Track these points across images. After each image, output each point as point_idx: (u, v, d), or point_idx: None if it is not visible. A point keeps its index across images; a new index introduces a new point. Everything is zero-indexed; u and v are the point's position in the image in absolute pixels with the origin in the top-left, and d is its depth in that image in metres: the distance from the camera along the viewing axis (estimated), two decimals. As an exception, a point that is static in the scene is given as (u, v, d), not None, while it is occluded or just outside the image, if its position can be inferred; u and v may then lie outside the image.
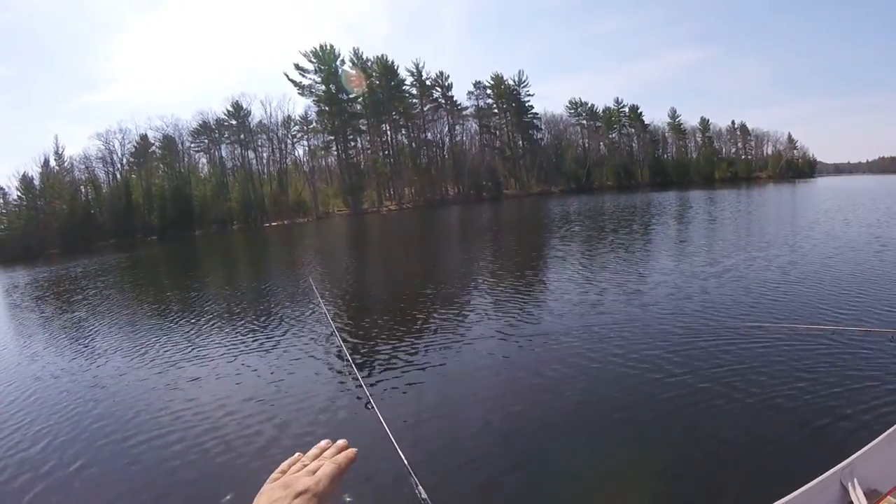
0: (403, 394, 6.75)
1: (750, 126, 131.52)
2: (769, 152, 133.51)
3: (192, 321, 12.63)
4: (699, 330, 8.29)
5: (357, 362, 7.56)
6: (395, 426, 4.96)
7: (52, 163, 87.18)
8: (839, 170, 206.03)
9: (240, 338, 10.49)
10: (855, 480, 2.94)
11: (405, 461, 3.06)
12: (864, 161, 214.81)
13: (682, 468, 4.61)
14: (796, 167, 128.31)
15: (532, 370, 7.23)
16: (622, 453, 5.00)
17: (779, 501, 2.79)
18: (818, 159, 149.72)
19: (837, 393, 5.66)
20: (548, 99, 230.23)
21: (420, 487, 2.68)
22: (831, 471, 2.94)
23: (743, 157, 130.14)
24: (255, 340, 10.11)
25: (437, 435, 5.52)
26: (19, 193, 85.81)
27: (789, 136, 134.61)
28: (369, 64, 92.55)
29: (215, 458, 5.60)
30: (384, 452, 4.25)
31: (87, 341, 12.24)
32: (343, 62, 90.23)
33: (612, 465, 4.85)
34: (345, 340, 8.93)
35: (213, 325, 12.09)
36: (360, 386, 5.01)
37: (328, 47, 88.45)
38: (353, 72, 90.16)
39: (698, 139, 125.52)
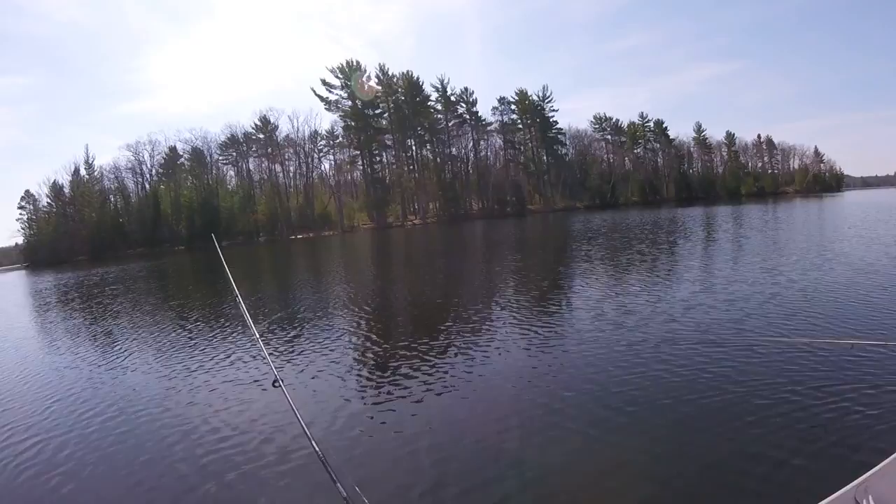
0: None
1: (776, 140, 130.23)
2: (795, 166, 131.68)
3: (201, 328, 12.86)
4: (713, 343, 8.16)
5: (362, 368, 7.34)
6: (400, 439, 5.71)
7: (83, 171, 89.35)
8: (867, 183, 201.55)
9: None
10: (870, 497, 2.82)
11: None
12: (893, 174, 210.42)
13: (689, 487, 4.44)
14: (823, 181, 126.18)
15: (546, 385, 7.12)
16: (613, 467, 4.87)
17: None
18: (845, 172, 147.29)
19: (852, 407, 5.50)
20: (574, 114, 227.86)
21: None
22: (845, 488, 2.84)
23: (769, 171, 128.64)
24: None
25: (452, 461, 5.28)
26: (49, 200, 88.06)
27: (816, 150, 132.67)
28: (395, 80, 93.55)
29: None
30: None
31: (100, 344, 12.64)
32: (369, 78, 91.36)
33: (602, 478, 4.72)
34: (360, 351, 8.68)
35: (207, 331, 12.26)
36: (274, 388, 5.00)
37: (354, 63, 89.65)
38: (375, 83, 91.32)
39: (724, 154, 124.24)
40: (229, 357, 9.99)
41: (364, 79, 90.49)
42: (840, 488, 2.83)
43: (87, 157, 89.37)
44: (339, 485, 2.72)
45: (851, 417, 5.29)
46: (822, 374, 6.52)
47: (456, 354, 8.76)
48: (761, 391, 6.14)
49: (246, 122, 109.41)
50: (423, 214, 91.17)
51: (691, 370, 7.02)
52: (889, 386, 6.00)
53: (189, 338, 12.27)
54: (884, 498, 2.85)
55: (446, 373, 7.83)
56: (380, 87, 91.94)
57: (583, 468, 4.91)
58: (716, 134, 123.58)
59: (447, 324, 10.99)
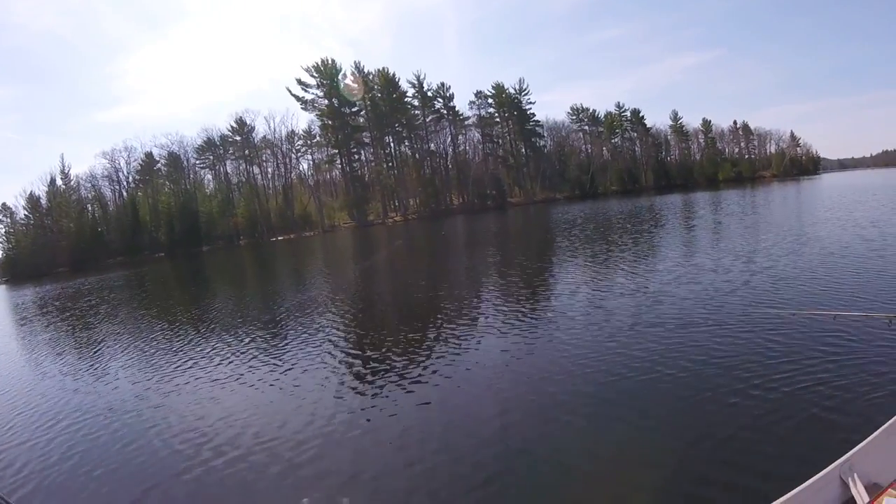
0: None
1: (753, 125, 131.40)
2: (772, 151, 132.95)
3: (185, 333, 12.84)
4: (693, 324, 8.27)
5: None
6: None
7: (59, 182, 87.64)
8: (843, 165, 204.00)
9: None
10: (855, 475, 2.92)
11: None
12: (869, 155, 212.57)
13: (674, 469, 4.45)
14: (800, 165, 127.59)
15: (536, 372, 7.19)
16: (611, 450, 4.91)
17: (778, 500, 2.78)
18: (822, 156, 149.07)
19: (835, 383, 5.52)
20: (553, 106, 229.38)
21: None
22: (830, 466, 2.93)
23: (746, 156, 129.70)
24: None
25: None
26: (26, 212, 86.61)
27: (791, 134, 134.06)
28: (371, 77, 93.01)
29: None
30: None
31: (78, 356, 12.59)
32: (345, 76, 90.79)
33: (602, 460, 4.77)
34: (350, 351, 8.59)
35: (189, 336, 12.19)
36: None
37: (329, 62, 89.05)
38: (352, 81, 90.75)
39: (701, 141, 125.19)
40: (200, 361, 10.02)
41: (340, 77, 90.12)
42: (825, 467, 2.94)
43: (63, 166, 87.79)
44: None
45: (834, 393, 5.32)
46: (800, 350, 6.57)
47: (437, 351, 8.74)
48: (744, 369, 6.20)
49: (222, 124, 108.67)
50: (404, 211, 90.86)
51: (674, 353, 7.09)
52: (871, 358, 6.05)
53: (169, 344, 12.26)
54: (868, 475, 2.98)
55: (423, 374, 7.74)
56: (357, 86, 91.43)
57: (568, 461, 4.87)
58: (693, 122, 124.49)
59: (427, 322, 11.02)
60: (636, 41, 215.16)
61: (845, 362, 6.03)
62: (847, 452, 3.03)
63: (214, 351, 10.78)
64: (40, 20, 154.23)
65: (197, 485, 5.23)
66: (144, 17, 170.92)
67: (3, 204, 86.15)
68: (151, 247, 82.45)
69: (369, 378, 7.86)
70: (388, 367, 8.14)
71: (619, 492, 4.33)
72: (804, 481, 2.85)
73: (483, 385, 6.99)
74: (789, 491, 2.78)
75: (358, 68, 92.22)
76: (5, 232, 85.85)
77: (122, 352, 12.24)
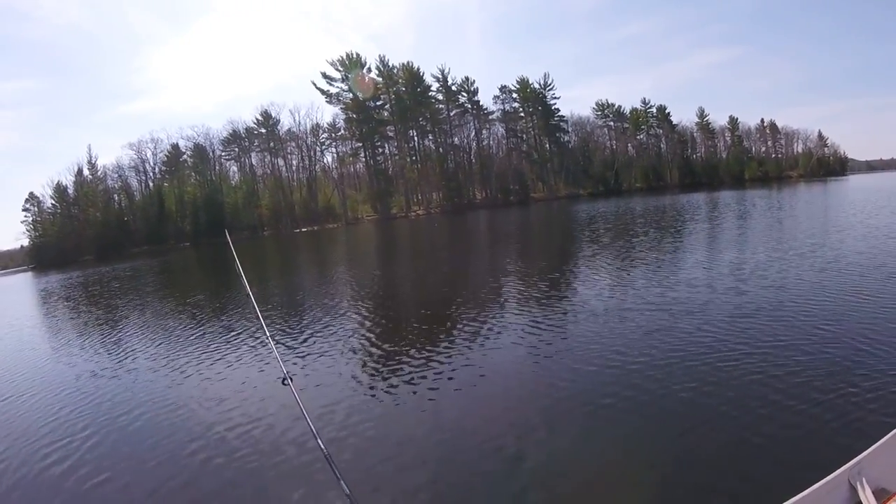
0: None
1: (780, 124, 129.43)
2: (799, 150, 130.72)
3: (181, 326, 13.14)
4: (710, 323, 8.23)
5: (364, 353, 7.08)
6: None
7: (86, 172, 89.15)
8: (872, 167, 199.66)
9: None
10: (864, 480, 2.85)
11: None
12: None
13: (683, 470, 4.42)
14: (827, 165, 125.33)
15: (551, 378, 7.00)
16: (617, 452, 4.84)
17: (786, 503, 2.71)
18: (850, 157, 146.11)
19: (845, 387, 5.40)
20: (577, 102, 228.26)
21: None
22: (839, 470, 2.86)
23: (773, 155, 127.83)
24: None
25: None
26: (53, 202, 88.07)
27: (819, 134, 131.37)
28: (395, 71, 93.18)
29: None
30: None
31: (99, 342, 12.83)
32: (369, 70, 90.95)
33: (607, 462, 4.69)
34: (367, 341, 8.35)
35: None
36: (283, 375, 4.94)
37: (354, 56, 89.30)
38: (364, 76, 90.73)
39: (727, 138, 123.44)
40: (237, 354, 9.95)
41: (364, 71, 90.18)
42: (834, 470, 2.84)
43: (90, 157, 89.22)
44: (342, 482, 2.74)
45: (843, 397, 5.22)
46: (808, 352, 6.51)
47: (463, 348, 8.67)
48: (748, 373, 6.12)
49: (247, 116, 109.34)
50: (426, 205, 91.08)
51: (690, 353, 7.03)
52: (881, 361, 5.96)
53: (198, 334, 12.25)
54: (877, 480, 2.89)
55: (454, 369, 7.72)
56: (380, 80, 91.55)
57: (589, 459, 4.82)
58: (719, 119, 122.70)
59: (454, 317, 10.92)
60: (659, 37, 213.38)
61: (855, 365, 5.93)
62: (857, 455, 2.94)
63: (245, 345, 10.68)
64: (65, 14, 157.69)
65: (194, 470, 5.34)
66: (168, 11, 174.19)
67: (31, 193, 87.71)
68: (176, 236, 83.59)
69: (394, 377, 7.76)
70: (414, 368, 7.99)
71: (617, 494, 4.31)
72: (812, 485, 2.77)
73: (510, 390, 6.88)
74: (797, 494, 2.71)
75: (383, 62, 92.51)
76: (32, 220, 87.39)
77: (162, 339, 12.37)
